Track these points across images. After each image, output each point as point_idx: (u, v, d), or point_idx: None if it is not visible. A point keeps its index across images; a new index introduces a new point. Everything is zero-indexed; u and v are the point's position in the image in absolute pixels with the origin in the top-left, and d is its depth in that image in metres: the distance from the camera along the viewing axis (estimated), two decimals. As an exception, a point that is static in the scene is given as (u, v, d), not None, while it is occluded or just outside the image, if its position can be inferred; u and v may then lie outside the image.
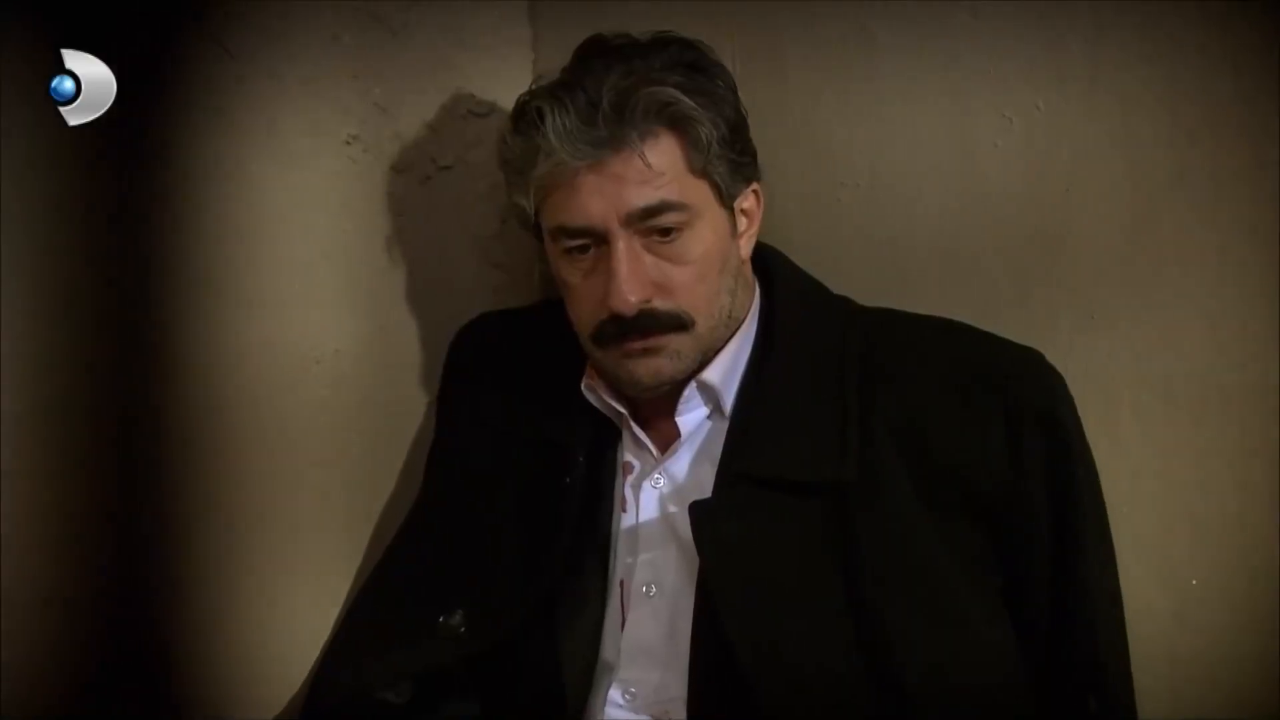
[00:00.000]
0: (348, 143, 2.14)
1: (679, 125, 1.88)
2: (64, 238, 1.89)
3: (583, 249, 1.90)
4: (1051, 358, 1.93)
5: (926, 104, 2.08)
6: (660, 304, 1.90)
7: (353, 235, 2.15)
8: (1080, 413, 1.91)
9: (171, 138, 1.98)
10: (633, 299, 1.87)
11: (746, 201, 1.97)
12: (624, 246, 1.88)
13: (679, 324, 1.91)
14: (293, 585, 2.10)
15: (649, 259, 1.89)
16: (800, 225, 2.13)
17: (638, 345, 1.90)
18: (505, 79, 2.25)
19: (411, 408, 2.22)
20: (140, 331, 1.94)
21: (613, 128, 1.86)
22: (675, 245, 1.89)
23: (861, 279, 2.06)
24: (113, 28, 1.89)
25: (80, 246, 1.89)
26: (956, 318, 1.98)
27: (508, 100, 2.01)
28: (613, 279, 1.87)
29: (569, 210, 1.89)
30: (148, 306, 1.95)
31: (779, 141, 2.09)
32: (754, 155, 1.97)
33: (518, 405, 2.07)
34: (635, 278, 1.88)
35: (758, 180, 1.98)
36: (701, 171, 1.90)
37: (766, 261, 2.02)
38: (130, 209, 1.94)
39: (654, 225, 1.88)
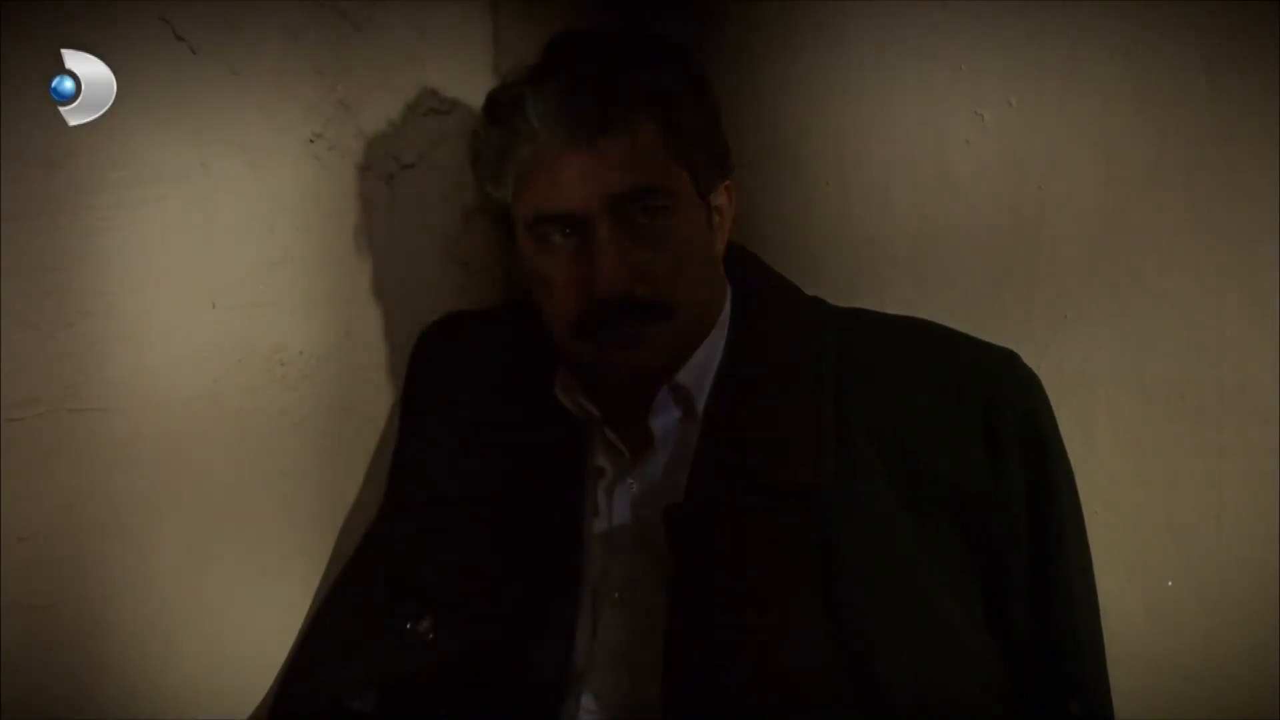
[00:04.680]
0: (311, 141, 2.11)
1: (661, 110, 1.87)
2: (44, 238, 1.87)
3: (564, 234, 1.88)
4: (1026, 357, 1.92)
5: (897, 101, 2.08)
6: (642, 291, 1.87)
7: (316, 234, 2.12)
8: (1055, 412, 1.91)
9: (132, 136, 1.95)
10: (617, 283, 1.85)
11: (720, 198, 1.95)
12: (606, 231, 1.85)
13: (660, 312, 1.88)
14: (257, 589, 2.07)
15: (630, 245, 1.86)
16: (772, 225, 2.12)
17: (620, 334, 1.88)
18: (468, 76, 2.23)
19: (376, 408, 2.19)
20: (103, 332, 1.91)
21: (597, 110, 1.84)
22: (656, 231, 1.87)
23: (834, 278, 2.06)
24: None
25: (48, 246, 1.87)
26: (930, 317, 1.97)
27: (470, 97, 1.99)
28: (596, 263, 1.85)
29: (550, 195, 1.86)
30: (110, 306, 1.92)
31: (750, 141, 2.08)
32: (728, 150, 1.96)
33: (485, 408, 2.05)
34: (619, 262, 1.85)
35: (730, 176, 1.96)
36: (681, 158, 1.88)
37: (739, 262, 2.01)
38: (91, 208, 1.91)
39: (636, 207, 1.86)
